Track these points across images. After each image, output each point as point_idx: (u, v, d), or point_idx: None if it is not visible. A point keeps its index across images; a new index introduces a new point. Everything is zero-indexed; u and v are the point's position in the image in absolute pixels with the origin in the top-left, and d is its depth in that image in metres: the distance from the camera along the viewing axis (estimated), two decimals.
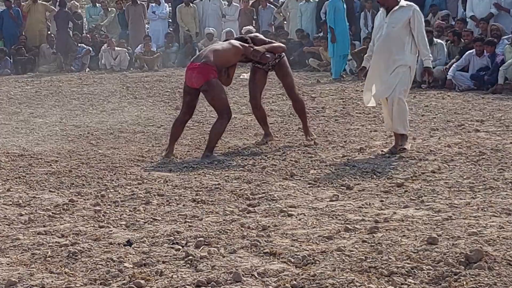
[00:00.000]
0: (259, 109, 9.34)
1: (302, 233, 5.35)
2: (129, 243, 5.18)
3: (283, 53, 9.17)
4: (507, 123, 10.15)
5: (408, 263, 4.54)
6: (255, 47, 8.79)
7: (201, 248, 5.01)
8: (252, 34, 9.49)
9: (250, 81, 9.32)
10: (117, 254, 4.93)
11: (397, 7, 8.19)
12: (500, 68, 13.44)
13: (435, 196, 6.38)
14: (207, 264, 4.67)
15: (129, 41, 20.76)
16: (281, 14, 20.74)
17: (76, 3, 22.56)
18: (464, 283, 4.20)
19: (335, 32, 16.17)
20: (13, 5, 20.05)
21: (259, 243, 5.05)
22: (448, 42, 15.29)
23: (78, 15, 21.98)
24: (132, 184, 7.24)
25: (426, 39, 8.28)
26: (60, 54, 19.53)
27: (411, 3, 8.28)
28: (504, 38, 14.94)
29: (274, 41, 9.53)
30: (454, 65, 14.20)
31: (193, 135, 10.01)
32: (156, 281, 4.42)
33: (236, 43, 8.79)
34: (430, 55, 8.36)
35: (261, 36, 9.44)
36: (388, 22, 8.21)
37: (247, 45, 8.77)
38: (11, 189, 7.07)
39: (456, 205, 6.03)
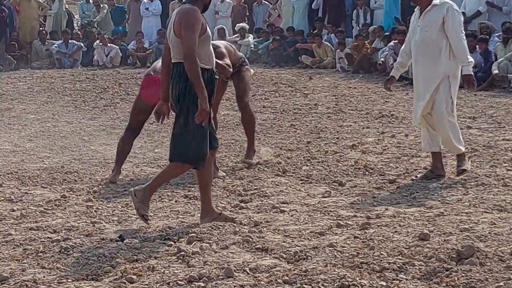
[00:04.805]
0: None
1: (294, 229, 5.35)
2: (121, 238, 5.18)
3: (245, 62, 8.00)
4: (499, 120, 10.16)
5: (399, 259, 4.55)
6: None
7: (193, 243, 5.01)
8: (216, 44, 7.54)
9: None
10: (109, 249, 4.94)
11: (429, 6, 7.05)
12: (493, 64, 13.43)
13: (427, 193, 6.40)
14: (199, 259, 4.68)
15: (127, 36, 20.70)
16: (276, 10, 20.68)
17: None
18: (456, 278, 4.21)
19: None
20: (5, 1, 19.88)
21: (251, 239, 5.05)
22: None
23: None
24: (124, 180, 7.23)
25: (464, 41, 7.05)
26: None
27: (446, 0, 7.07)
28: (495, 35, 14.95)
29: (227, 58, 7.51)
30: None
31: None
32: (148, 277, 4.42)
33: None
34: (471, 59, 7.04)
35: (223, 49, 7.47)
36: (422, 25, 7.08)
37: None
38: (3, 185, 7.06)
39: (448, 202, 6.05)
